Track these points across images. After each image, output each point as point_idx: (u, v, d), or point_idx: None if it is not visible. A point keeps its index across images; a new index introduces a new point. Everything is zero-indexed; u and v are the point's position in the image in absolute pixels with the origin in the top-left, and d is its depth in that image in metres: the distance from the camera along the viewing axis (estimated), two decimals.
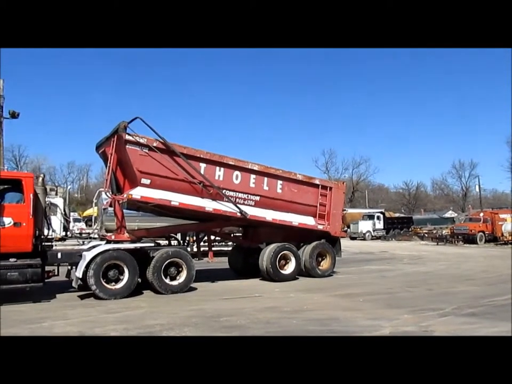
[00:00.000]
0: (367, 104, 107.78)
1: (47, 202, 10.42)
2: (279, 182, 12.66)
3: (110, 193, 10.55)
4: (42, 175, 10.93)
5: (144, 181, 10.43)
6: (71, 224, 15.82)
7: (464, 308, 8.29)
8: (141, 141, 10.35)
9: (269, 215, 12.41)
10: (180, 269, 10.53)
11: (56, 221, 11.83)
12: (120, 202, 10.57)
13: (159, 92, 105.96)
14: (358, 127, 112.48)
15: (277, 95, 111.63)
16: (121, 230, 10.66)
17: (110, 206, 11.36)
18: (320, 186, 13.53)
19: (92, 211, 24.84)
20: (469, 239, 31.28)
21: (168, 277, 10.36)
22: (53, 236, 10.52)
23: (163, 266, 10.23)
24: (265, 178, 12.39)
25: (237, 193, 11.83)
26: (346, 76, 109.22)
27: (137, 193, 10.35)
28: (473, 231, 31.47)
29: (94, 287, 9.40)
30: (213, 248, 12.99)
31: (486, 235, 31.58)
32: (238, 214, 11.66)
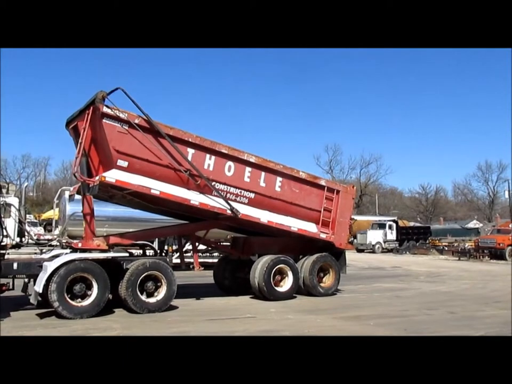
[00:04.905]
0: (378, 92, 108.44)
1: (1, 202, 10.40)
2: (279, 178, 12.69)
3: (79, 175, 10.45)
4: None
5: (121, 162, 10.36)
6: (28, 228, 15.72)
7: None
8: (121, 115, 10.32)
9: (264, 216, 12.43)
10: (159, 284, 10.57)
11: (11, 225, 11.82)
12: (90, 186, 10.41)
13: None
14: (368, 119, 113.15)
15: (272, 81, 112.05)
16: (91, 232, 10.62)
17: (78, 193, 11.26)
18: (326, 188, 13.60)
19: (52, 213, 24.80)
20: (497, 254, 31.66)
21: (145, 293, 10.39)
22: (7, 243, 10.49)
23: (139, 281, 10.24)
24: (263, 173, 12.39)
25: (229, 187, 11.83)
26: (357, 56, 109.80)
27: (112, 176, 10.25)
28: (501, 244, 31.81)
29: (56, 304, 9.38)
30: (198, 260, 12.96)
31: None
32: (228, 212, 11.66)
